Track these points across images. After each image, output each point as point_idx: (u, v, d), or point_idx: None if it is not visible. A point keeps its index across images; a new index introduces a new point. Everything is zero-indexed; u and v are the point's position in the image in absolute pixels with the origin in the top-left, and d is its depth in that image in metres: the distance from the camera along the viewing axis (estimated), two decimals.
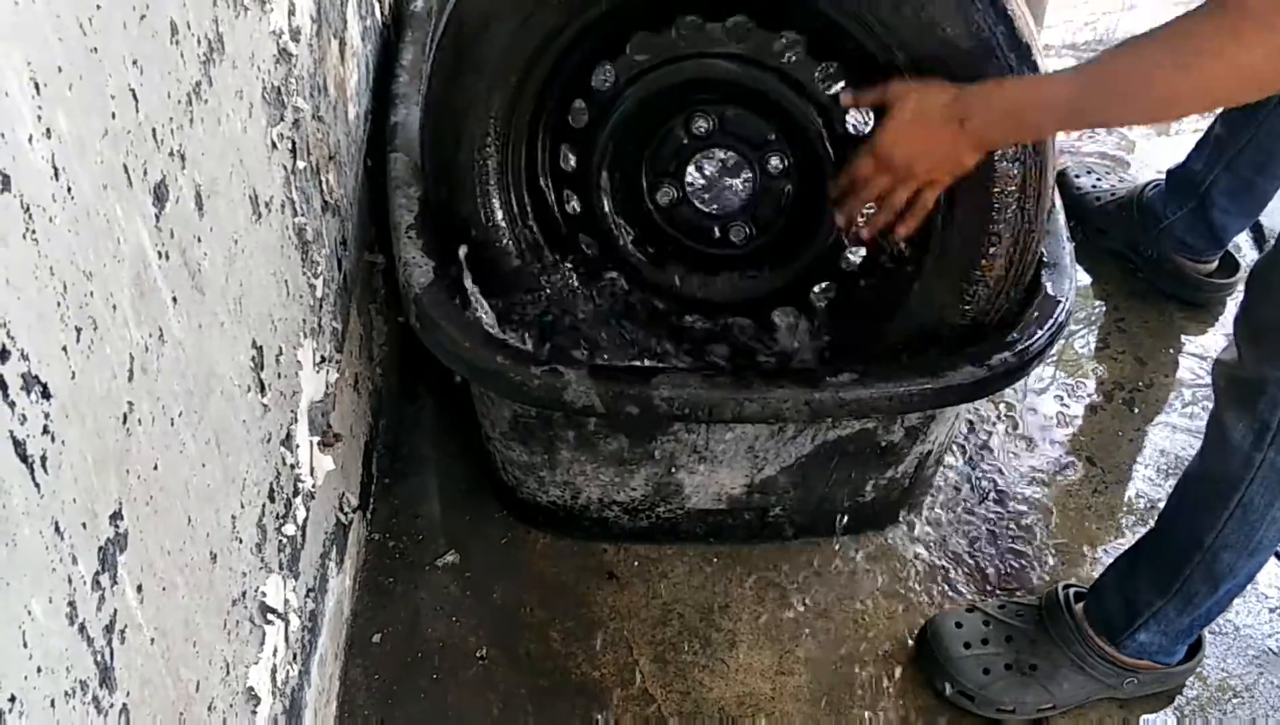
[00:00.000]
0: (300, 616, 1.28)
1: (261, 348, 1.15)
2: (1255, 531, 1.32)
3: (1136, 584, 1.43)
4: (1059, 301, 1.40)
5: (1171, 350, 2.00)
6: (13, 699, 0.69)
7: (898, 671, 1.55)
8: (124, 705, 0.84)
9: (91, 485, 0.79)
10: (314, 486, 1.32)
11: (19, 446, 0.69)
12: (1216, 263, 2.02)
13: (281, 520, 1.22)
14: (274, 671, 1.20)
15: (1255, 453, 1.27)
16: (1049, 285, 1.41)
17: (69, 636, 0.77)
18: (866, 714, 1.51)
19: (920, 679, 1.54)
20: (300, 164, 1.28)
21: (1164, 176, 2.01)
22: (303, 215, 1.29)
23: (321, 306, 1.37)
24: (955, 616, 1.54)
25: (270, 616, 1.18)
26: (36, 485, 0.71)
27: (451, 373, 1.50)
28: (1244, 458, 1.28)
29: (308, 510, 1.30)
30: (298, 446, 1.27)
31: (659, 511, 1.62)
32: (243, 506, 1.10)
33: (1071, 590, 1.52)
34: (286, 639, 1.23)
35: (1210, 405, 1.33)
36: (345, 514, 1.50)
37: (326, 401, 1.37)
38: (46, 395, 0.72)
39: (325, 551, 1.40)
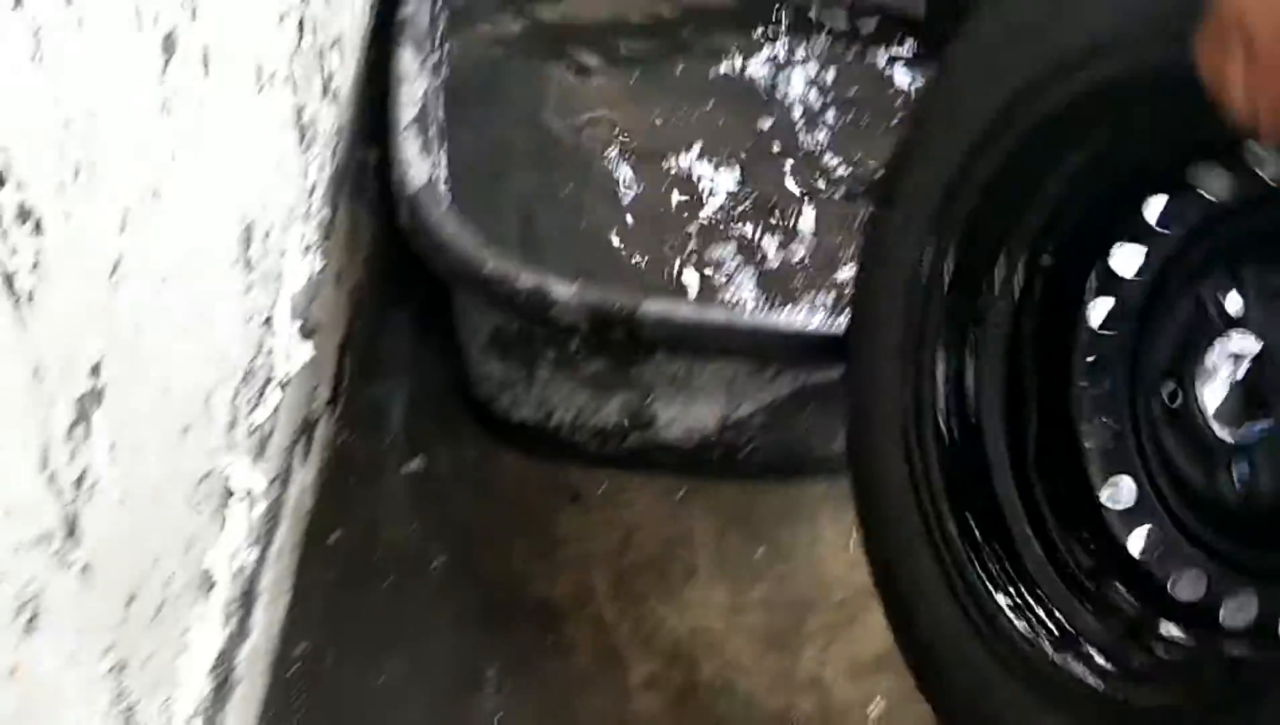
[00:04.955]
0: (263, 504, 1.27)
1: (251, 224, 1.12)
2: None
3: None
4: None
5: None
6: None
7: (850, 620, 1.56)
8: (87, 564, 0.83)
9: (75, 333, 0.77)
10: (289, 375, 1.30)
11: (8, 279, 0.67)
12: None
13: (254, 403, 1.19)
14: (233, 556, 1.18)
15: None
16: None
17: (39, 484, 0.75)
18: (815, 658, 1.52)
19: (873, 628, 1.55)
20: (305, 42, 1.25)
21: None
22: (303, 95, 1.25)
23: (312, 193, 1.34)
24: None
25: (234, 499, 1.16)
26: (22, 322, 0.69)
27: (434, 281, 1.48)
28: None
29: (281, 397, 1.28)
30: (277, 331, 1.24)
31: (630, 439, 1.61)
32: (219, 382, 1.08)
33: None
34: (248, 524, 1.22)
35: None
36: (315, 408, 1.47)
37: (309, 290, 1.34)
38: (39, 230, 0.69)
39: (293, 442, 1.38)
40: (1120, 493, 1.02)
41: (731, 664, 1.50)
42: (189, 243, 0.96)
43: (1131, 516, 1.02)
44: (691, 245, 1.65)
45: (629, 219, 1.66)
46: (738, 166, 1.76)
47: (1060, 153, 1.01)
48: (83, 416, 0.79)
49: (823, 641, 1.53)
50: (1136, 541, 1.01)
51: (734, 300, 1.58)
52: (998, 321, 1.07)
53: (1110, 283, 1.05)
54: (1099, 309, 1.06)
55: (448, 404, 1.70)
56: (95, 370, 0.80)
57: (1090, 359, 1.05)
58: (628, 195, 1.69)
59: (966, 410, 1.07)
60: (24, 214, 0.67)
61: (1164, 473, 1.00)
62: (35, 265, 0.69)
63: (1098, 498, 1.03)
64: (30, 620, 0.75)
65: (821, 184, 1.75)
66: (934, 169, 1.04)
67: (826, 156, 1.78)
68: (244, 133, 1.07)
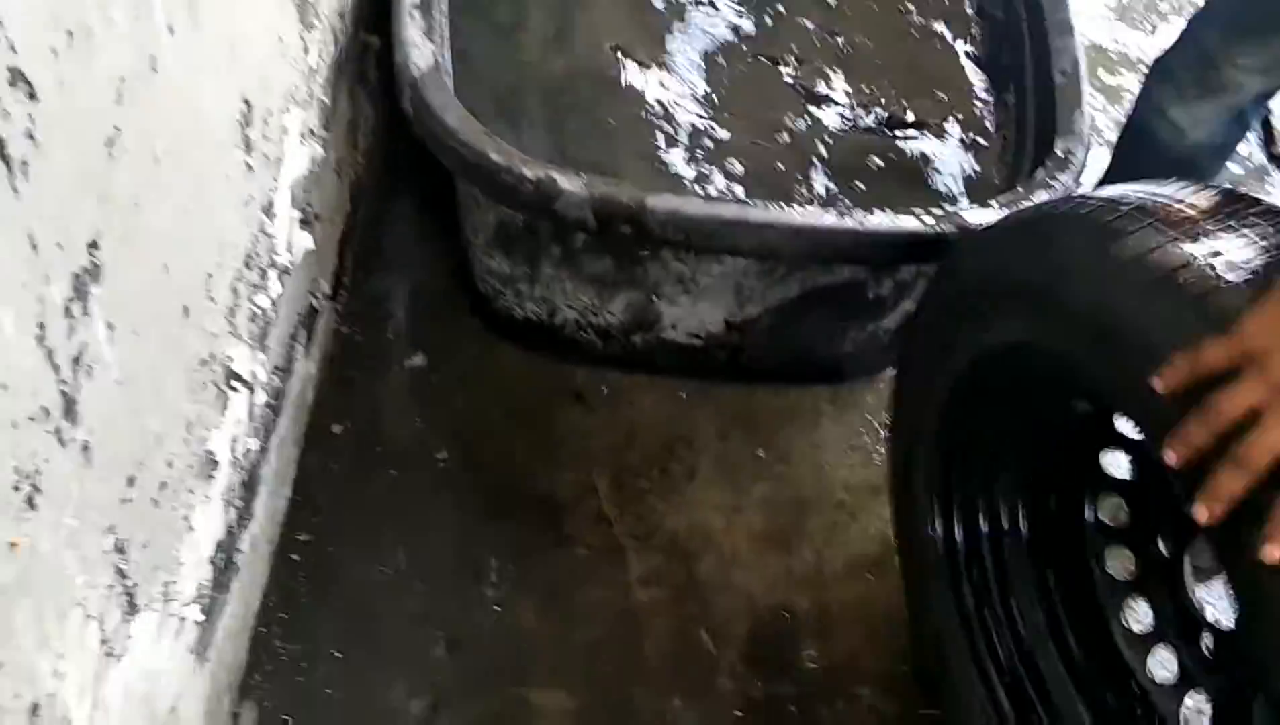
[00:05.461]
0: (265, 391, 1.26)
1: (251, 104, 1.09)
2: None
3: None
4: (1070, 163, 1.36)
5: None
6: None
7: (849, 520, 1.57)
8: (86, 442, 0.82)
9: (71, 206, 0.75)
10: (290, 263, 1.28)
11: (1, 145, 0.64)
12: None
13: (255, 290, 1.18)
14: (234, 441, 1.18)
15: None
16: (1059, 148, 1.38)
17: (36, 359, 0.73)
18: (813, 557, 1.53)
19: (870, 529, 1.56)
20: None
21: None
22: None
23: (313, 77, 1.31)
24: None
25: (236, 384, 1.15)
26: (15, 191, 0.67)
27: (438, 172, 1.45)
28: None
29: (282, 286, 1.26)
30: (277, 217, 1.22)
31: (634, 339, 1.60)
32: (219, 266, 1.06)
33: None
34: (250, 411, 1.21)
35: None
36: (317, 299, 1.46)
37: (309, 178, 1.31)
38: (32, 96, 0.67)
39: (294, 332, 1.37)
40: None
41: (730, 561, 1.51)
42: (187, 118, 0.93)
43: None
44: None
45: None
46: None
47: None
48: (80, 292, 0.77)
49: (821, 541, 1.54)
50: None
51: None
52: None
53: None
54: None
55: (450, 299, 1.68)
56: (93, 246, 0.78)
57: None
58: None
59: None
60: (15, 78, 0.64)
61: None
62: (29, 133, 0.67)
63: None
64: (29, 497, 0.74)
65: None
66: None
67: None
68: (243, 7, 1.03)
